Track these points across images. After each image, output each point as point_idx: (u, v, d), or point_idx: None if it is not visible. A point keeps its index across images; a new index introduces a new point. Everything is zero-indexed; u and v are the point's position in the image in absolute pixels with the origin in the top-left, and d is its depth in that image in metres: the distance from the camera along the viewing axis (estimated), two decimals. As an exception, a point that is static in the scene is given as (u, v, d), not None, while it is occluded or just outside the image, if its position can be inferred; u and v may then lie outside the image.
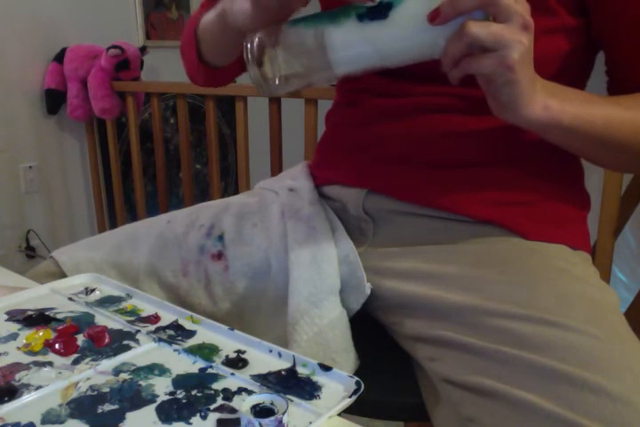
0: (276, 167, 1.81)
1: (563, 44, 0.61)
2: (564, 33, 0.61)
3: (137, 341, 0.54)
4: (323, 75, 0.53)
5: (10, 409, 0.44)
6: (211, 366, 0.50)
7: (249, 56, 0.53)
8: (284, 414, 0.40)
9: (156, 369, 0.49)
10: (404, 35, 0.50)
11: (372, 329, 0.69)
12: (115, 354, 0.51)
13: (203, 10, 0.76)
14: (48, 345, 0.53)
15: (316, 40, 0.51)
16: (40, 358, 0.51)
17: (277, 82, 0.53)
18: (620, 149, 0.59)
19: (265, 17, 0.54)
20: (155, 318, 0.58)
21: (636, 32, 0.60)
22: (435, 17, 0.48)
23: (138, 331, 0.55)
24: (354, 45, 0.51)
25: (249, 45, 0.53)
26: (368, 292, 0.64)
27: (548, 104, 0.52)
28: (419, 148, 0.66)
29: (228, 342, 0.54)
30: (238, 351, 0.52)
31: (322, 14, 0.52)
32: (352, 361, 0.62)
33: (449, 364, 0.55)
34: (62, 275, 0.73)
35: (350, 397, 0.44)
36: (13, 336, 0.55)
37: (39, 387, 0.46)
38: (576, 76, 0.67)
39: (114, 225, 2.38)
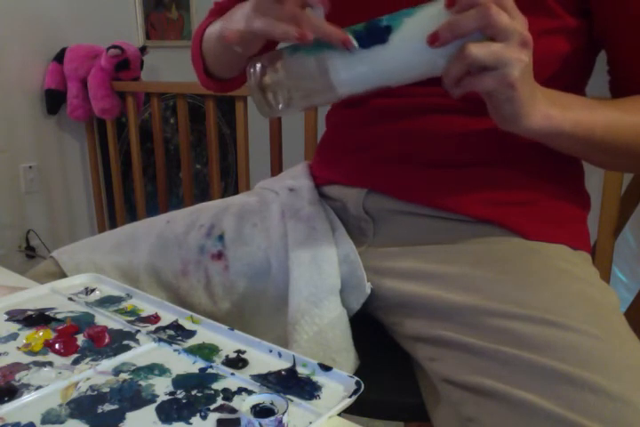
0: (276, 167, 1.81)
1: (563, 45, 0.61)
2: (564, 34, 0.61)
3: (137, 341, 0.54)
4: (325, 97, 0.54)
5: (10, 409, 0.44)
6: (211, 366, 0.50)
7: (252, 81, 0.54)
8: (283, 414, 0.40)
9: (156, 369, 0.49)
10: (404, 57, 0.51)
11: (371, 329, 0.69)
12: (115, 354, 0.51)
13: (210, 19, 0.77)
14: (48, 345, 0.53)
15: (317, 65, 0.52)
16: (40, 358, 0.51)
17: (280, 105, 0.54)
18: (622, 152, 0.59)
19: (251, 43, 0.56)
20: (155, 318, 0.58)
21: (637, 31, 0.60)
22: (434, 40, 0.48)
23: (138, 331, 0.55)
24: (356, 69, 0.52)
25: (252, 70, 0.54)
26: (368, 291, 0.64)
27: (549, 114, 0.53)
28: (419, 148, 0.66)
29: (228, 342, 0.54)
30: (238, 351, 0.52)
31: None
32: (352, 361, 0.62)
33: (449, 364, 0.54)
34: (62, 275, 0.73)
35: (350, 397, 0.44)
36: (13, 336, 0.55)
37: (39, 387, 0.46)
38: (577, 76, 0.67)
39: (114, 225, 2.38)
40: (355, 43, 0.50)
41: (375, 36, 0.51)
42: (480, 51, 0.47)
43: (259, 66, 0.54)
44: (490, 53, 0.47)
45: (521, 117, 0.51)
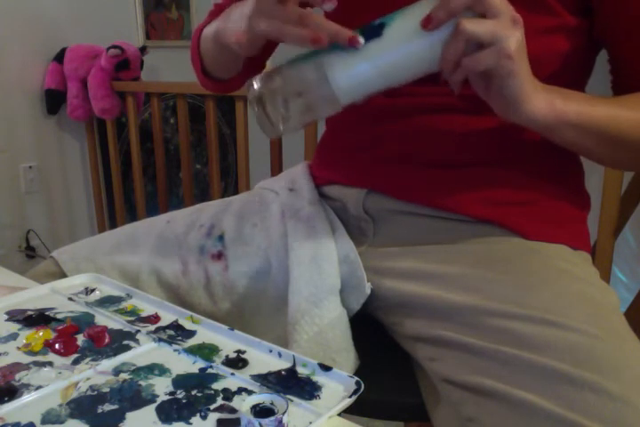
0: (276, 167, 1.81)
1: (563, 44, 0.61)
2: (564, 33, 0.61)
3: (137, 341, 0.54)
4: (328, 107, 0.53)
5: (10, 409, 0.44)
6: (211, 366, 0.50)
7: (251, 99, 0.53)
8: (284, 414, 0.40)
9: (156, 369, 0.49)
10: (401, 49, 0.51)
11: (372, 329, 0.69)
12: (115, 354, 0.51)
13: (210, 19, 0.77)
14: (48, 345, 0.53)
15: (316, 73, 0.51)
16: (40, 358, 0.51)
17: (282, 122, 0.53)
18: (623, 146, 0.59)
19: (253, 44, 0.56)
20: (155, 318, 0.58)
21: (636, 33, 0.60)
22: (427, 23, 0.49)
23: (138, 331, 0.55)
24: (355, 70, 0.51)
25: (250, 88, 0.53)
26: (368, 291, 0.64)
27: (551, 101, 0.53)
28: (419, 147, 0.66)
29: (228, 342, 0.54)
30: (238, 351, 0.52)
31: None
32: (352, 361, 0.62)
33: (449, 364, 0.54)
34: (62, 275, 0.73)
35: (350, 397, 0.44)
36: (13, 336, 0.55)
37: (39, 387, 0.46)
38: (577, 76, 0.67)
39: (114, 225, 2.38)
40: (361, 39, 0.50)
41: (370, 33, 0.51)
42: (475, 26, 0.48)
43: (257, 82, 0.53)
44: (485, 28, 0.48)
45: (523, 100, 0.51)
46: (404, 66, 0.52)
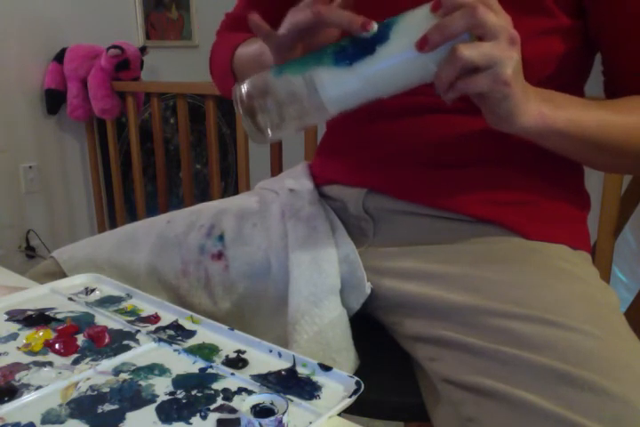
0: (276, 167, 1.81)
1: (559, 46, 0.61)
2: (560, 34, 0.61)
3: (137, 341, 0.54)
4: (317, 116, 0.53)
5: (10, 409, 0.44)
6: (211, 366, 0.50)
7: (239, 107, 0.51)
8: (284, 414, 0.40)
9: (155, 369, 0.49)
10: (393, 66, 0.50)
11: (372, 329, 0.69)
12: (115, 354, 0.51)
13: (226, 35, 0.76)
14: (48, 345, 0.53)
15: (305, 83, 0.51)
16: (40, 358, 0.51)
17: (270, 130, 0.52)
18: (614, 151, 0.59)
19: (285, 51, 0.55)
20: (155, 318, 0.58)
21: (632, 33, 0.60)
22: (423, 45, 0.48)
23: (138, 331, 0.55)
24: (345, 83, 0.51)
25: (237, 96, 0.51)
26: (368, 291, 0.64)
27: (542, 111, 0.53)
28: (418, 147, 0.66)
29: (228, 342, 0.54)
30: (238, 351, 0.52)
31: (308, 56, 0.52)
32: (352, 361, 0.62)
33: (449, 364, 0.54)
34: (62, 275, 0.73)
35: (350, 397, 0.44)
36: (13, 336, 0.55)
37: (39, 387, 0.46)
38: (574, 77, 0.67)
39: (114, 225, 2.38)
40: (374, 24, 0.49)
41: (362, 48, 0.50)
42: (471, 52, 0.47)
43: (245, 91, 0.52)
44: (481, 54, 0.47)
45: (516, 115, 0.51)
46: (396, 81, 0.51)
